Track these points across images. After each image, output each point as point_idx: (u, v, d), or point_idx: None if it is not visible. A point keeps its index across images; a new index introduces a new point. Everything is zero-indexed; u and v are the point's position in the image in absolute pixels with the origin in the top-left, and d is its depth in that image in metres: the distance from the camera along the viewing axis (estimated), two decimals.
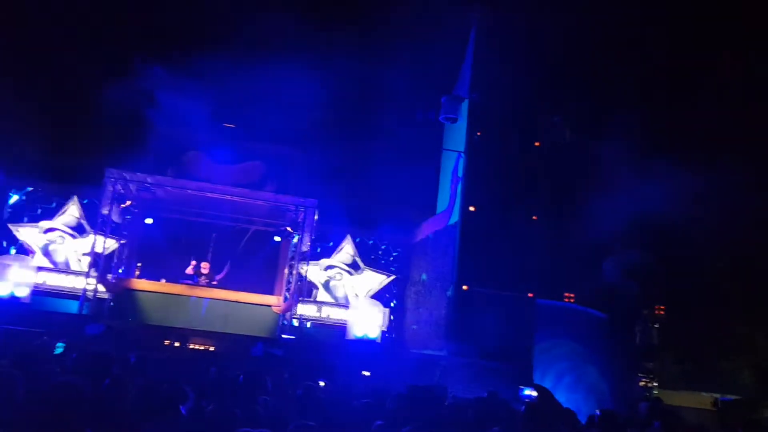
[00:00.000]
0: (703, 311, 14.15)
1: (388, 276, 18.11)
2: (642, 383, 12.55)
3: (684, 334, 13.60)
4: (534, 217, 15.02)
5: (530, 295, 14.64)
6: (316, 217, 15.91)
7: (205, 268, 15.62)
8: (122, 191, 15.47)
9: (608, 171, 14.07)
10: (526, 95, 13.92)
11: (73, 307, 14.98)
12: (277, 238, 17.13)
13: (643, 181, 13.77)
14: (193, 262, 15.84)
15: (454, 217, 15.20)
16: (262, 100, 17.31)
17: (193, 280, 15.48)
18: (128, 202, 15.73)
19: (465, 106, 15.51)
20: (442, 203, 16.47)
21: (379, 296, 17.73)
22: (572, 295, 13.89)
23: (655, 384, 12.42)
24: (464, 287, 14.26)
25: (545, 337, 13.34)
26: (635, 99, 14.79)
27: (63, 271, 16.21)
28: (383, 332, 16.37)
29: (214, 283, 15.50)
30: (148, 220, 16.69)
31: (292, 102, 17.34)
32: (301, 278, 15.89)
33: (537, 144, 15.12)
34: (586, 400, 10.52)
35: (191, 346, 13.12)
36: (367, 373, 9.57)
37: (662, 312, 13.72)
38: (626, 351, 13.12)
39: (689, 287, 14.27)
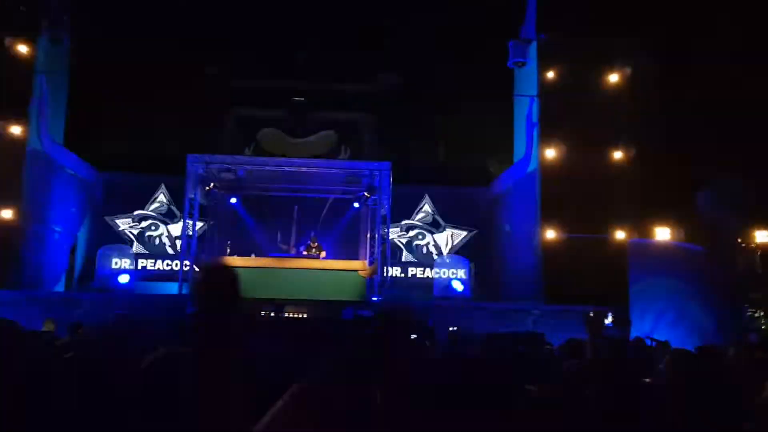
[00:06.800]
0: None
1: (470, 231, 17.94)
2: (749, 314, 11.90)
3: None
4: (616, 155, 14.48)
5: (621, 235, 14.16)
6: (391, 179, 15.86)
7: (314, 240, 16.07)
8: (205, 174, 15.95)
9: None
10: (596, 27, 13.18)
11: (173, 289, 15.73)
12: (356, 205, 17.27)
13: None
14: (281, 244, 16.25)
15: (533, 164, 14.79)
16: (329, 69, 17.34)
17: (286, 253, 15.95)
18: (212, 185, 16.22)
19: (533, 48, 14.96)
20: (518, 152, 16.04)
21: (463, 251, 17.62)
22: (667, 231, 13.25)
23: (762, 314, 11.75)
24: (549, 234, 13.94)
25: (641, 276, 12.85)
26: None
27: (159, 256, 17.01)
28: (470, 287, 16.29)
29: (305, 253, 15.87)
30: (233, 200, 17.21)
31: (359, 68, 17.28)
32: (384, 241, 15.98)
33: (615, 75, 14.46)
34: (689, 336, 10.11)
35: (286, 314, 13.51)
36: (454, 329, 9.54)
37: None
38: (728, 282, 12.42)
39: None
